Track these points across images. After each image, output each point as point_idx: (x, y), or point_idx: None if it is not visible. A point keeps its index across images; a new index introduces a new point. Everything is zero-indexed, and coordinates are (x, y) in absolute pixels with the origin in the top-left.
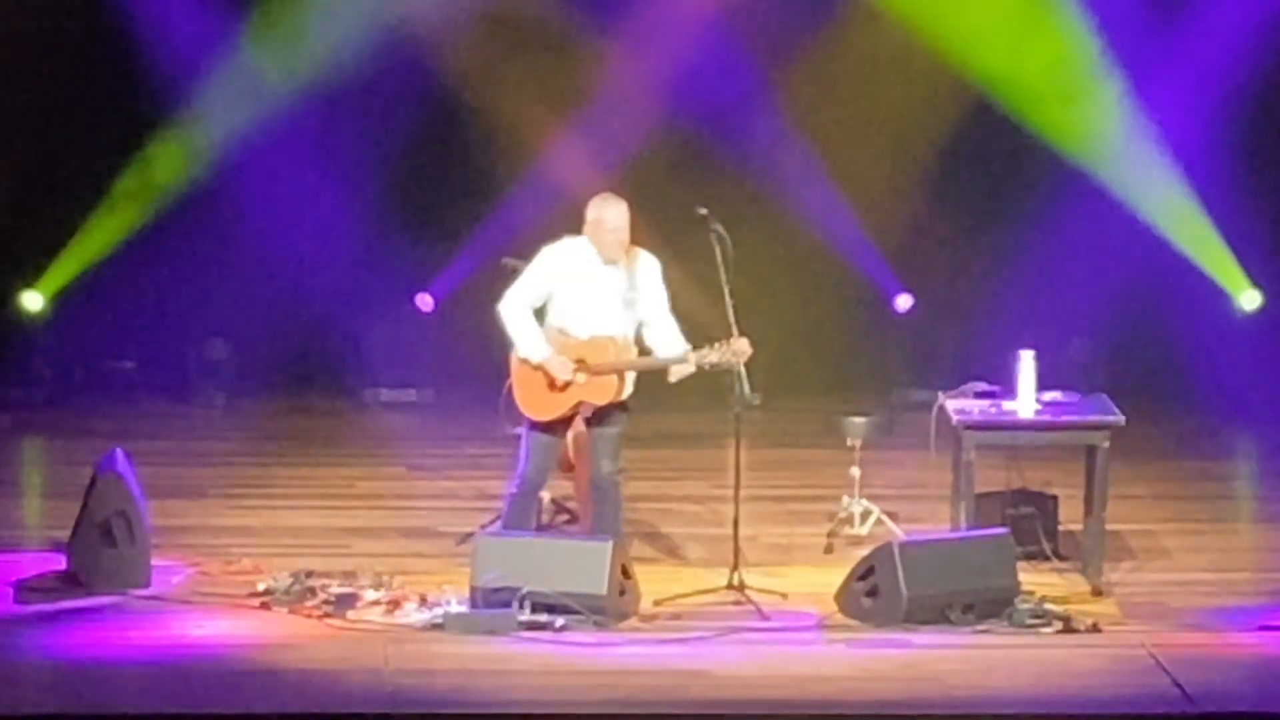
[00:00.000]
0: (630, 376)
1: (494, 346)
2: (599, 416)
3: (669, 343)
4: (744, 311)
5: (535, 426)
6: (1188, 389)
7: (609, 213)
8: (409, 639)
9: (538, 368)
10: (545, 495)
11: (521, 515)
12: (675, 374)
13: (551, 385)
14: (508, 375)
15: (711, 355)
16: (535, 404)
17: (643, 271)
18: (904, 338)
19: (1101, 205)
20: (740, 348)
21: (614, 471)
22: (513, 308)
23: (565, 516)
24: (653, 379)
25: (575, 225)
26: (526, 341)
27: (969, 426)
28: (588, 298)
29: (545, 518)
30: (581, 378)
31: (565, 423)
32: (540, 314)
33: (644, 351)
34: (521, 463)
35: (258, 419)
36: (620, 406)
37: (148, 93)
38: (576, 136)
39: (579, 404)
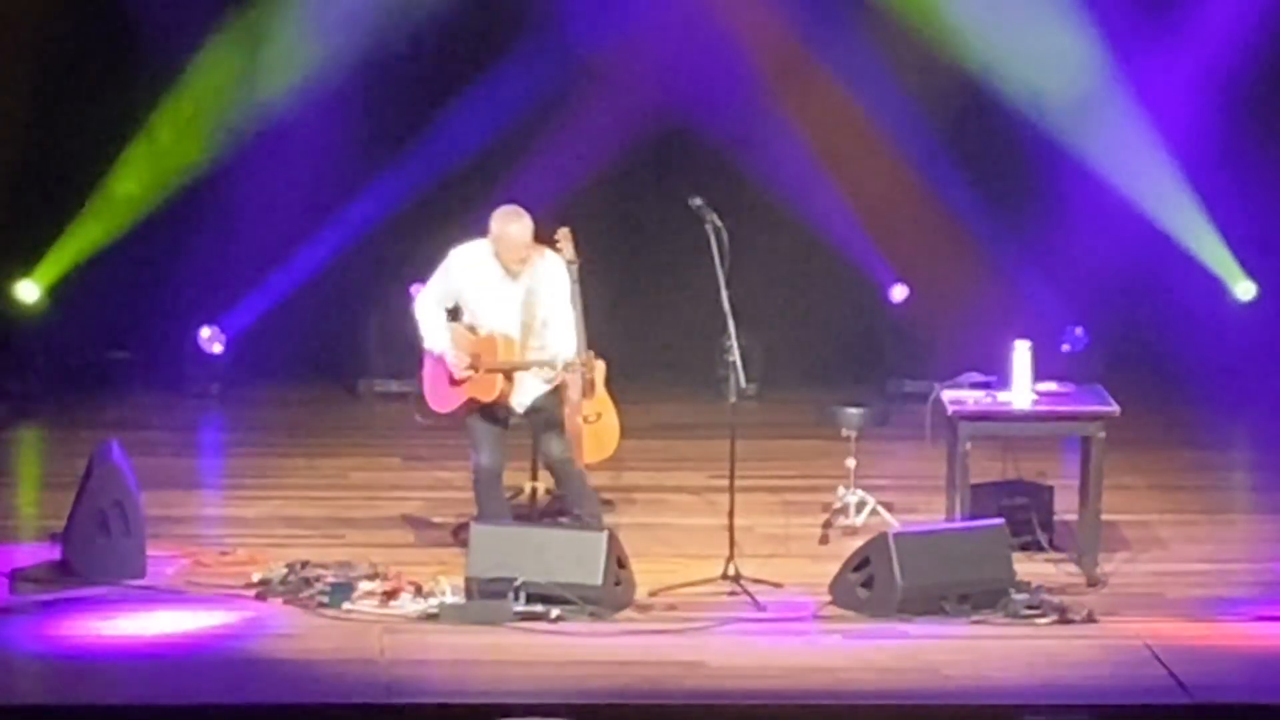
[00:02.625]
0: (522, 378)
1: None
2: (533, 407)
3: (561, 343)
4: (740, 302)
5: (472, 417)
6: (1183, 379)
7: (512, 229)
8: (404, 629)
9: (439, 359)
10: (540, 486)
11: (490, 501)
12: (541, 376)
13: (451, 380)
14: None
15: (575, 366)
16: (436, 396)
17: (546, 273)
18: (899, 328)
19: (1098, 195)
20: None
21: (564, 450)
22: (423, 303)
23: (561, 507)
24: (647, 368)
25: (572, 217)
26: (429, 333)
27: (964, 417)
28: (491, 299)
29: (537, 510)
30: (476, 374)
31: (500, 412)
32: (454, 312)
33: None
34: (473, 455)
35: (253, 409)
36: (552, 392)
37: (142, 83)
38: (573, 127)
39: (469, 400)
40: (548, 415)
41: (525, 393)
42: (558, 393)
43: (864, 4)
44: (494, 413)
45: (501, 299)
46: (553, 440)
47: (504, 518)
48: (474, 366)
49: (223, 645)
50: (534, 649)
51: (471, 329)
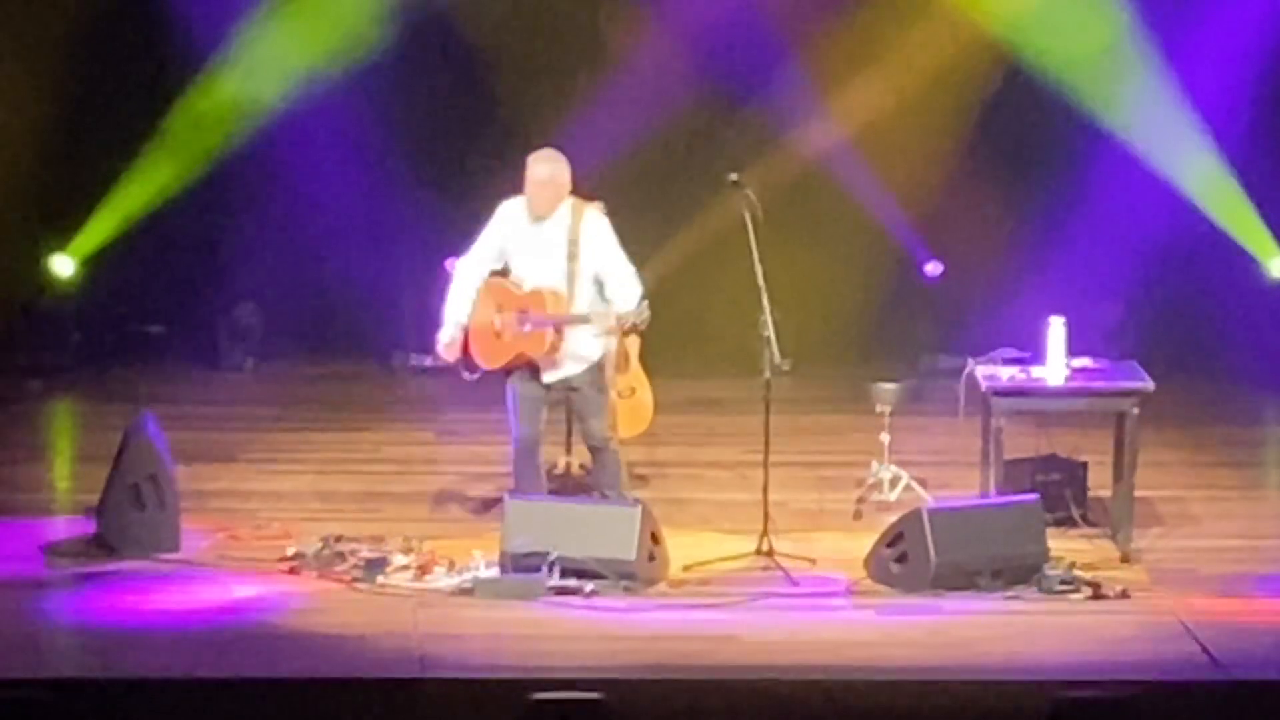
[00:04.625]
0: (577, 332)
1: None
2: (573, 385)
3: (624, 297)
4: (774, 277)
5: (515, 386)
6: (1218, 355)
7: (533, 169)
8: (438, 604)
9: (479, 315)
10: (574, 461)
11: (526, 474)
12: (600, 330)
13: (497, 335)
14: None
15: (630, 318)
16: (484, 352)
17: (586, 227)
18: (934, 304)
19: (1132, 171)
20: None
21: (604, 428)
22: (462, 268)
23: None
24: (681, 343)
25: (604, 190)
26: (452, 298)
27: (998, 393)
28: (529, 252)
29: (571, 484)
30: (528, 328)
31: (537, 378)
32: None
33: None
34: (512, 425)
35: (287, 383)
36: (596, 366)
37: (179, 57)
38: (607, 101)
39: (519, 354)
40: (588, 394)
41: (566, 357)
42: (599, 369)
43: None
44: (534, 379)
45: (535, 245)
46: (593, 420)
47: (540, 491)
48: (522, 321)
49: (256, 619)
50: (567, 624)
51: (517, 285)
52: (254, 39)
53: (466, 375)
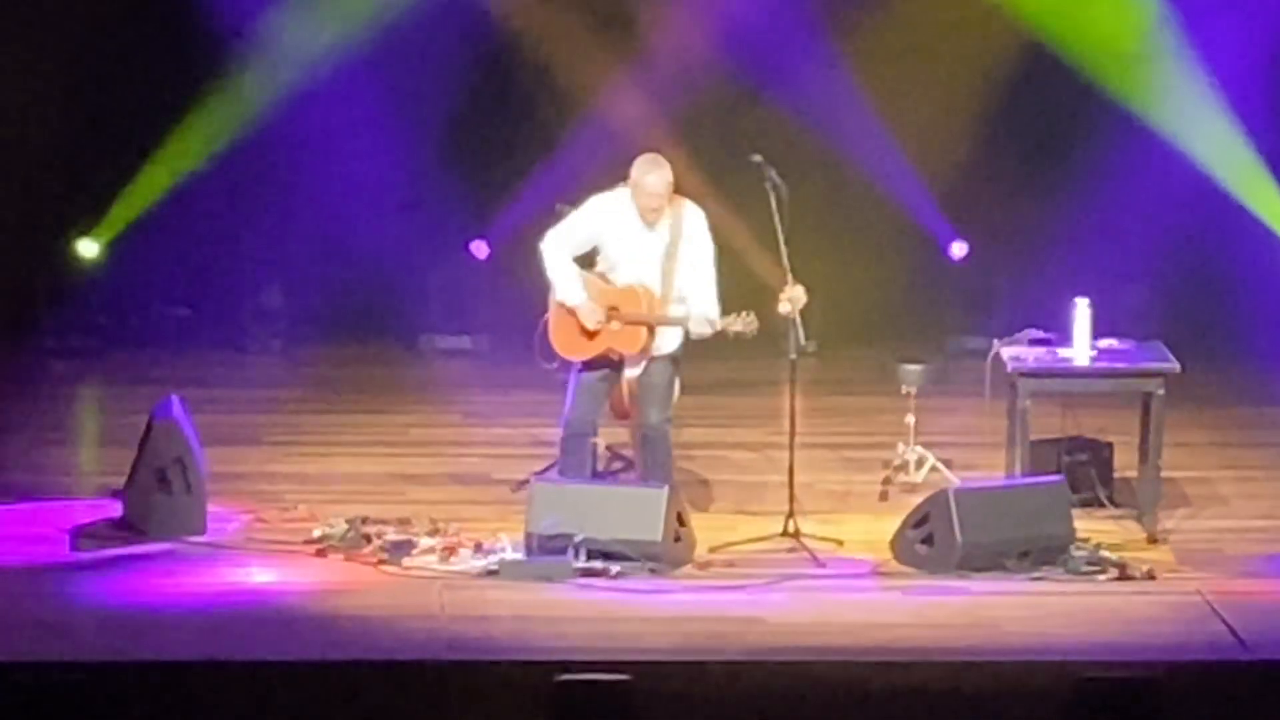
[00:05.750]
0: (666, 331)
1: (548, 294)
2: (646, 366)
3: (701, 297)
4: (799, 259)
5: (582, 369)
6: (1244, 336)
7: (649, 178)
8: (464, 586)
9: (570, 311)
10: (600, 442)
11: (573, 457)
12: (694, 332)
13: (583, 329)
14: (545, 311)
15: (735, 324)
16: (567, 344)
17: (686, 224)
18: (959, 285)
19: (1158, 151)
20: (796, 295)
21: (662, 421)
22: (553, 248)
23: (620, 464)
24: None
25: (629, 173)
26: (562, 284)
27: (1024, 374)
28: (629, 250)
29: (600, 465)
30: (616, 325)
31: (613, 368)
32: (587, 258)
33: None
34: (567, 405)
35: (313, 366)
36: (669, 357)
37: (204, 38)
38: (633, 82)
39: (608, 350)
40: (657, 383)
41: (654, 353)
42: (675, 360)
43: None
44: (607, 366)
45: (641, 248)
46: (653, 409)
47: (585, 476)
48: (615, 317)
49: (283, 602)
50: (594, 606)
51: (603, 277)
52: (280, 20)
53: (545, 365)
